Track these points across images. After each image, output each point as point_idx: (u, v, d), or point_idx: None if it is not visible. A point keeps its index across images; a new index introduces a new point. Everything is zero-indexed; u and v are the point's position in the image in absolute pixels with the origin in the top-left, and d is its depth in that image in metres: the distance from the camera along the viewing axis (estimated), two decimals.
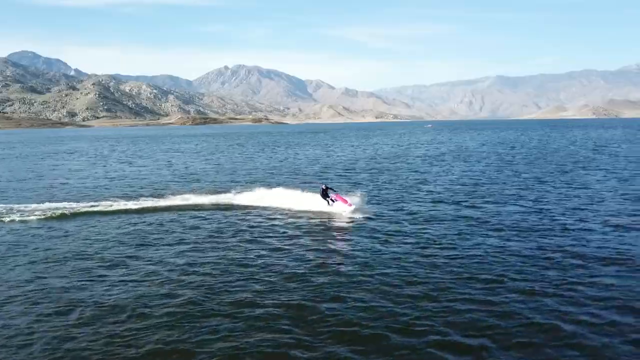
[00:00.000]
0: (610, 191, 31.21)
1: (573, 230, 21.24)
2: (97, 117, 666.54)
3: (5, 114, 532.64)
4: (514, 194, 30.74)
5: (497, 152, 67.30)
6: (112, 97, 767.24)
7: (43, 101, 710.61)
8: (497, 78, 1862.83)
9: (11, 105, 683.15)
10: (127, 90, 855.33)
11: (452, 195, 30.72)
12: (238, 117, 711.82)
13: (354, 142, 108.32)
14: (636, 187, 32.86)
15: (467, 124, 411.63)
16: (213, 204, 28.30)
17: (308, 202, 26.82)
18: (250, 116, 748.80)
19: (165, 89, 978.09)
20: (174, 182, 40.37)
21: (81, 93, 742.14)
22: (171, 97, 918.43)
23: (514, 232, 20.84)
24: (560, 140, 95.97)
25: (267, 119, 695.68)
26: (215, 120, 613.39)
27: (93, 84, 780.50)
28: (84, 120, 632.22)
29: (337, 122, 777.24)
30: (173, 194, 31.79)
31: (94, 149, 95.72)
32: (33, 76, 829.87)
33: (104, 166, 57.34)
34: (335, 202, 24.97)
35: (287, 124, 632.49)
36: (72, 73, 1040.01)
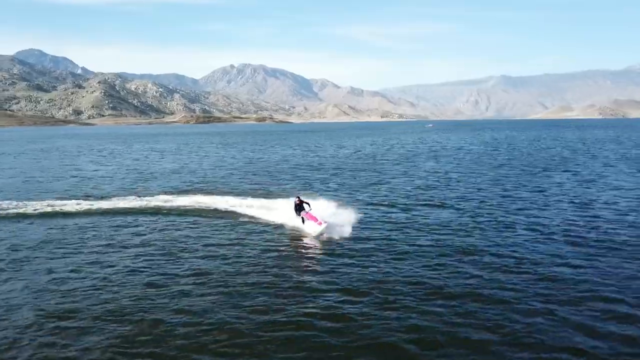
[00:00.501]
0: (563, 195, 30.78)
1: (485, 230, 21.69)
2: (103, 116, 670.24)
3: (8, 112, 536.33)
4: (461, 196, 30.61)
5: (474, 152, 66.93)
6: (118, 95, 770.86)
7: (49, 99, 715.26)
8: (502, 78, 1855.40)
9: (17, 103, 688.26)
10: (133, 89, 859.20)
11: (395, 198, 30.47)
12: (243, 116, 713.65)
13: (345, 141, 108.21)
14: (592, 192, 32.34)
15: (469, 123, 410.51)
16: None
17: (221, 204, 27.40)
18: (254, 115, 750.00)
19: (171, 87, 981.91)
20: (116, 182, 40.45)
21: (87, 91, 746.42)
22: (177, 95, 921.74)
23: (442, 234, 21.23)
24: (549, 141, 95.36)
25: (272, 118, 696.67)
26: (219, 119, 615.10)
27: (99, 82, 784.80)
28: (89, 119, 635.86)
29: (342, 122, 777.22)
30: (105, 197, 31.57)
31: (55, 148, 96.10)
32: (40, 74, 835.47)
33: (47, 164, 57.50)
34: (307, 222, 21.81)
35: (291, 122, 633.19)
36: (79, 71, 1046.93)
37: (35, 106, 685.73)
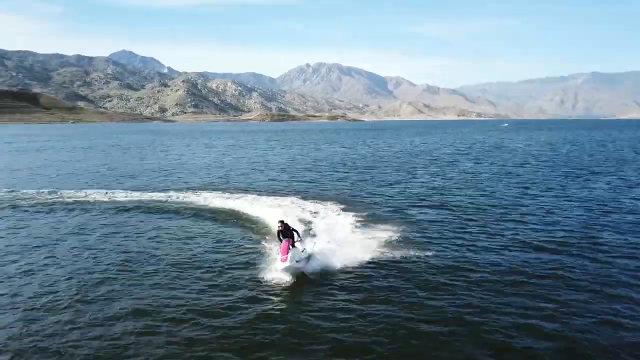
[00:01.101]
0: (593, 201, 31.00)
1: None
2: (185, 113, 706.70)
3: (101, 109, 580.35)
4: (474, 200, 30.00)
5: (521, 153, 66.81)
6: (199, 93, 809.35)
7: (138, 97, 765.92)
8: (592, 75, 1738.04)
9: (110, 100, 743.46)
10: (214, 88, 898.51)
11: (404, 199, 30.18)
12: (316, 114, 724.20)
13: (397, 139, 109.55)
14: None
15: (548, 123, 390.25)
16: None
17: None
18: (327, 113, 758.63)
19: (249, 86, 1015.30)
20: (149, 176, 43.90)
21: (171, 90, 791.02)
22: (255, 94, 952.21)
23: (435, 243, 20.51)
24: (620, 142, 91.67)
25: (344, 117, 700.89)
26: (293, 117, 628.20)
27: (183, 81, 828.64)
28: (172, 116, 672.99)
29: (416, 120, 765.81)
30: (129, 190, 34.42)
31: (123, 141, 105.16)
32: (130, 74, 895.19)
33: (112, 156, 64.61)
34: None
35: (363, 121, 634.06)
36: (165, 71, 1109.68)
37: (126, 104, 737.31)
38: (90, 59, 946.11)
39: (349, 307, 13.88)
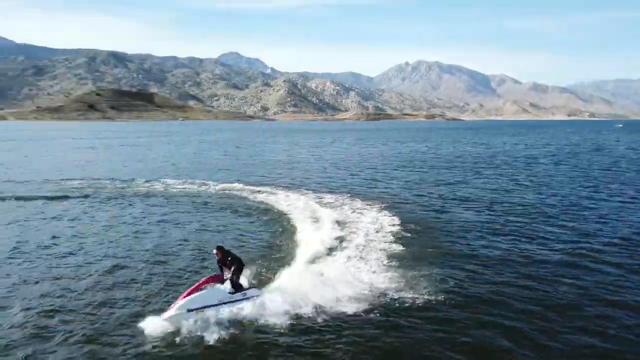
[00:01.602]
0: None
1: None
2: (285, 112, 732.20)
3: (207, 108, 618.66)
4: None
5: (617, 156, 63.25)
6: (299, 93, 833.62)
7: (242, 97, 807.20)
8: None
9: (217, 99, 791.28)
10: (313, 87, 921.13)
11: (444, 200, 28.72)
12: (413, 113, 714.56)
13: (485, 140, 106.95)
14: None
15: None
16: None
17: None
18: (425, 112, 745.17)
19: (347, 85, 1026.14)
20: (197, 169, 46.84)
21: (273, 89, 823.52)
22: (352, 93, 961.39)
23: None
24: None
25: (442, 115, 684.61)
26: (389, 116, 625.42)
27: (284, 81, 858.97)
28: (273, 115, 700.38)
29: (521, 120, 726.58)
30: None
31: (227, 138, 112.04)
32: (236, 74, 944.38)
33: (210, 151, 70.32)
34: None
35: (462, 120, 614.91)
36: (268, 71, 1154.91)
37: (231, 103, 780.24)
38: (201, 60, 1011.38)
39: None
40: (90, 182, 36.03)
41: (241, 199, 28.87)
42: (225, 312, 12.30)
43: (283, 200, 27.67)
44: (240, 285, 13.26)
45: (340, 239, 19.03)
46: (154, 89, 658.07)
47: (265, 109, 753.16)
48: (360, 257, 16.78)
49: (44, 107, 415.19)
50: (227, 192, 31.40)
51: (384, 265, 15.99)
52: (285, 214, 24.05)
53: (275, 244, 18.93)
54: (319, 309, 12.52)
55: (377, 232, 20.28)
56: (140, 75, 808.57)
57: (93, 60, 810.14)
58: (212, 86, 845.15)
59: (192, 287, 12.69)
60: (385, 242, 18.67)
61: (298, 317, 12.23)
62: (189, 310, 11.99)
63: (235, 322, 12.00)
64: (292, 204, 26.77)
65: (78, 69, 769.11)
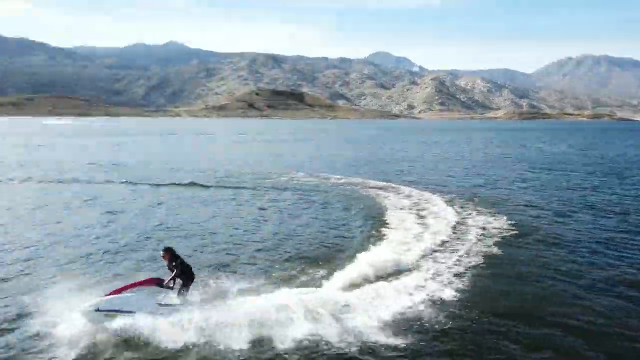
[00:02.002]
0: None
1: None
2: (431, 110, 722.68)
3: (355, 107, 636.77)
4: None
5: None
6: (447, 91, 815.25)
7: (389, 95, 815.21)
8: None
9: (364, 98, 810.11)
10: (462, 85, 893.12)
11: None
12: (574, 112, 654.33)
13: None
14: None
15: None
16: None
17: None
18: (589, 111, 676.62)
19: (499, 83, 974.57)
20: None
21: (420, 88, 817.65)
22: (505, 91, 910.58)
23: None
24: None
25: (611, 115, 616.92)
26: (547, 116, 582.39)
27: (431, 79, 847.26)
28: (419, 113, 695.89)
29: None
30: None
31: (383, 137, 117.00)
32: (383, 74, 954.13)
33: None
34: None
35: (636, 120, 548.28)
36: (416, 69, 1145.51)
37: (378, 101, 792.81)
38: (351, 60, 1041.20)
39: None
40: (235, 173, 38.39)
41: (361, 194, 29.32)
42: (141, 323, 10.36)
43: (398, 197, 27.61)
44: (184, 299, 11.47)
45: (438, 241, 18.10)
46: (305, 89, 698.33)
47: (411, 107, 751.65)
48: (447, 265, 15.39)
49: (211, 105, 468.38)
50: (352, 187, 31.90)
51: (461, 277, 14.23)
52: (394, 210, 23.92)
53: (358, 241, 18.49)
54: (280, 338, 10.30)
55: (481, 238, 18.75)
56: (294, 76, 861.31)
57: (254, 62, 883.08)
58: (360, 85, 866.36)
59: (125, 286, 11.29)
60: (487, 248, 17.36)
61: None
62: (97, 310, 10.45)
63: (141, 339, 10.13)
64: (406, 201, 26.66)
65: (241, 71, 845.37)
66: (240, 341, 10.17)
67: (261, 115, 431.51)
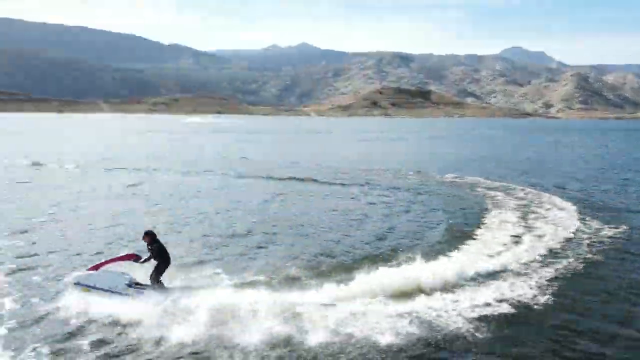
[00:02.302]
0: None
1: None
2: (570, 109, 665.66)
3: (484, 104, 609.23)
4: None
5: None
6: (590, 88, 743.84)
7: (522, 93, 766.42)
8: None
9: (495, 96, 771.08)
10: (609, 81, 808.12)
11: None
12: None
13: None
14: None
15: None
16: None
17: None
18: None
19: None
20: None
21: (559, 84, 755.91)
22: None
23: None
24: None
25: None
26: None
27: (572, 75, 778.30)
28: (557, 112, 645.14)
29: None
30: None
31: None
32: (516, 70, 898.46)
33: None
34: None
35: None
36: (554, 65, 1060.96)
37: (509, 99, 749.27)
38: (480, 57, 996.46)
39: None
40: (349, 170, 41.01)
41: (472, 193, 29.78)
42: (112, 301, 11.58)
43: (511, 199, 27.43)
44: (155, 282, 12.56)
45: (539, 245, 17.60)
46: (432, 87, 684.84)
47: (548, 105, 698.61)
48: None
49: (337, 104, 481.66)
50: (466, 186, 32.45)
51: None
52: (502, 211, 23.98)
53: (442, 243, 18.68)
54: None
55: (588, 247, 17.81)
56: (420, 74, 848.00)
57: (380, 61, 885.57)
58: (491, 83, 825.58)
59: (106, 260, 12.67)
60: (592, 256, 16.61)
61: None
62: (77, 284, 11.93)
63: (109, 319, 11.26)
64: (517, 202, 26.41)
65: (367, 70, 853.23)
66: (200, 327, 10.83)
67: (385, 113, 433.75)
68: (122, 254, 13.20)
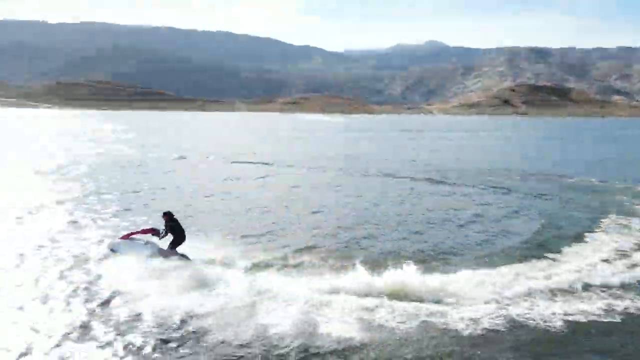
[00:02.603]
0: None
1: None
2: None
3: (635, 102, 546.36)
4: None
5: None
6: None
7: None
8: None
9: None
10: None
11: None
12: None
13: None
14: None
15: None
16: None
17: None
18: None
19: None
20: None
21: None
22: None
23: None
24: None
25: None
26: None
27: None
28: None
29: None
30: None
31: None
32: None
33: None
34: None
35: None
36: None
37: None
38: (634, 49, 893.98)
39: None
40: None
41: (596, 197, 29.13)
42: (142, 265, 14.26)
43: None
44: (172, 250, 15.31)
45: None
46: (571, 84, 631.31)
47: None
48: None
49: (463, 102, 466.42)
50: (591, 189, 31.84)
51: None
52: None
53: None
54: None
55: None
56: (560, 70, 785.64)
57: (514, 57, 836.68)
58: None
59: (134, 231, 15.96)
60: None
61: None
62: (112, 250, 15.48)
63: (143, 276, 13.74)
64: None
65: (499, 67, 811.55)
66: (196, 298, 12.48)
67: (516, 112, 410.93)
68: (146, 227, 16.21)
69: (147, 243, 15.36)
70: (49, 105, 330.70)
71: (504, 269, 15.46)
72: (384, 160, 50.04)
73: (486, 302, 12.87)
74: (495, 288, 13.68)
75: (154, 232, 15.52)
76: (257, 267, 15.38)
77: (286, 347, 10.45)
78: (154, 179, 35.68)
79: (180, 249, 15.53)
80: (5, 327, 11.44)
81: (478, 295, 13.15)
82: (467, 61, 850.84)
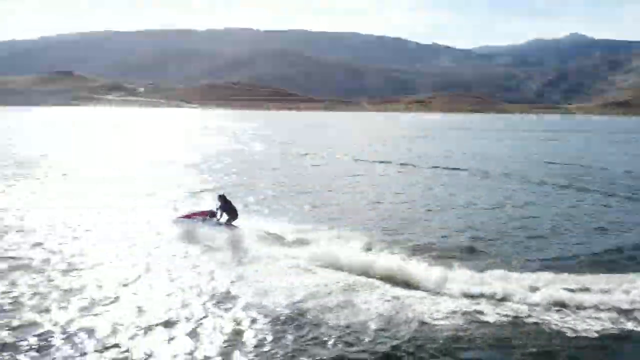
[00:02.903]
0: None
1: None
2: None
3: None
4: None
5: None
6: None
7: None
8: None
9: None
10: None
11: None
12: None
13: None
14: None
15: None
16: None
17: None
18: None
19: None
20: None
21: None
22: None
23: None
24: None
25: None
26: None
27: None
28: None
29: None
30: None
31: None
32: None
33: None
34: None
35: None
36: None
37: None
38: None
39: None
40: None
41: None
42: (206, 229, 17.97)
43: None
44: (230, 225, 18.35)
45: None
46: None
47: None
48: None
49: (610, 101, 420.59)
50: None
51: None
52: None
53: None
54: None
55: None
56: None
57: None
58: None
59: (193, 212, 18.84)
60: None
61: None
62: (184, 222, 18.45)
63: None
64: None
65: None
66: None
67: None
68: (200, 211, 19.10)
69: (204, 219, 18.41)
70: (195, 105, 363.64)
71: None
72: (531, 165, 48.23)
73: None
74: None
75: (212, 214, 18.41)
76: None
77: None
78: (282, 174, 39.26)
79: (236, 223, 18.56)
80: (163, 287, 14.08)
81: None
82: (613, 55, 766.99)
